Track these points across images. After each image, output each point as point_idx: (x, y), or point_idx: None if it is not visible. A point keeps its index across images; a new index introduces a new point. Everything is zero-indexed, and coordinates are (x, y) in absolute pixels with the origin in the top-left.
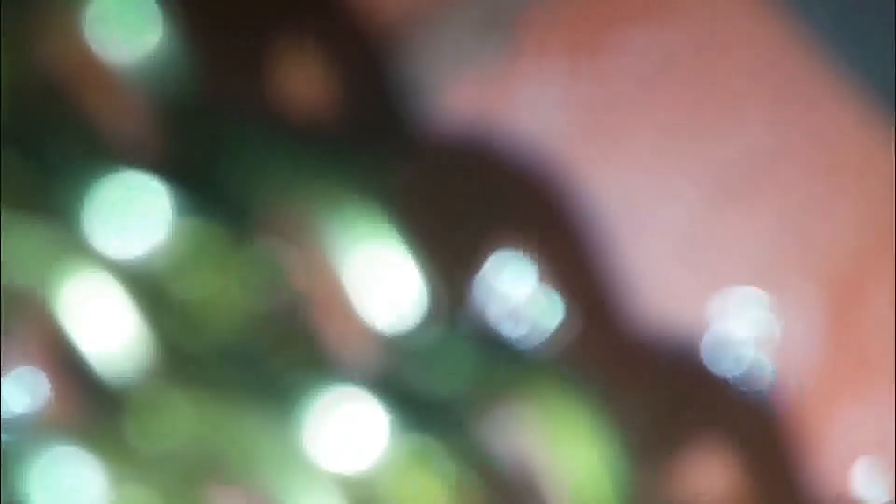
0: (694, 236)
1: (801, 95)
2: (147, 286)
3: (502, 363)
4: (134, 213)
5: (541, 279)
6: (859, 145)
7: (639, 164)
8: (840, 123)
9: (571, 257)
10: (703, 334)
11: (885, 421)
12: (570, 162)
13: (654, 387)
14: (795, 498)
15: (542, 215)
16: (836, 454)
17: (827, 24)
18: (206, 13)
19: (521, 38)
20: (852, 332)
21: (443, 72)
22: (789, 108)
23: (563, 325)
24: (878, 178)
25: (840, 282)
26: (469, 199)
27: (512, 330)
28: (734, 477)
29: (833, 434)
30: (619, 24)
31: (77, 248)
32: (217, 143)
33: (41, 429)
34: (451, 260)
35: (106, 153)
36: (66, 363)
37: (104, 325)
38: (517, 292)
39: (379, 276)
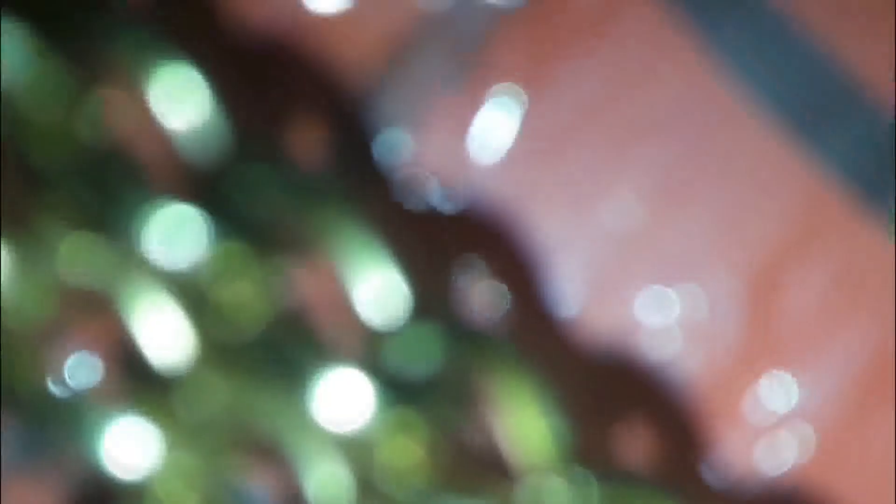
0: (631, 235)
1: (721, 112)
2: (191, 292)
3: (466, 348)
4: (181, 235)
5: (493, 278)
6: (774, 152)
7: (583, 175)
8: (755, 135)
9: (519, 257)
10: (635, 321)
11: (794, 397)
12: (523, 176)
13: (588, 369)
14: (707, 465)
15: (495, 225)
16: (747, 427)
17: (737, 52)
18: (236, 92)
19: (481, 71)
20: (769, 316)
21: (411, 104)
22: (712, 124)
23: (511, 318)
24: (792, 181)
25: (760, 272)
26: (434, 216)
27: (473, 320)
28: (655, 447)
29: (745, 409)
30: (565, 57)
31: (138, 262)
32: (243, 183)
33: (110, 402)
34: (422, 266)
35: (161, 191)
36: (127, 352)
37: (158, 322)
38: (473, 291)
39: (368, 281)
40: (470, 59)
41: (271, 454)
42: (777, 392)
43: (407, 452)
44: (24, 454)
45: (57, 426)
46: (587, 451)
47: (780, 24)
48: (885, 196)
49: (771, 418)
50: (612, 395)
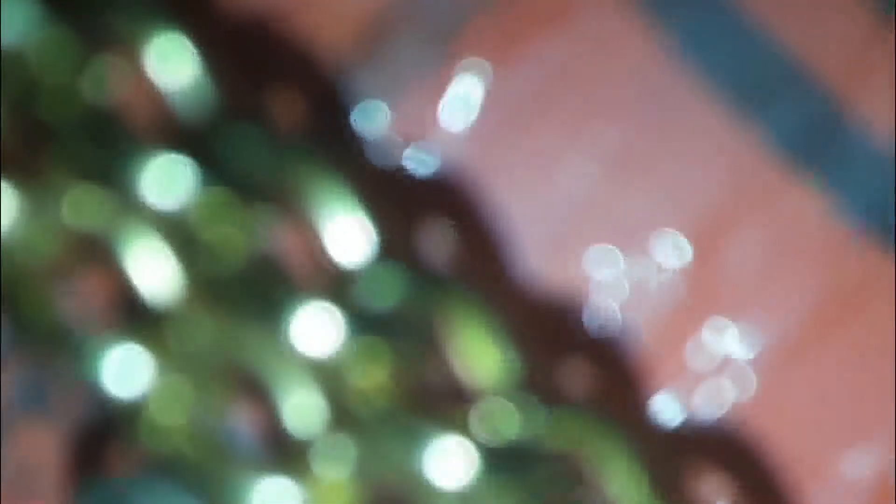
0: (585, 200)
1: (671, 91)
2: (180, 233)
3: (427, 287)
4: (172, 182)
5: (456, 233)
6: (718, 127)
7: (543, 145)
8: (701, 111)
9: (480, 216)
10: (584, 276)
11: (733, 344)
12: (488, 144)
13: (538, 314)
14: (648, 406)
15: (460, 187)
16: (688, 372)
17: (688, 35)
18: (223, 61)
19: (453, 48)
20: (712, 271)
21: (388, 78)
22: (663, 101)
23: (469, 267)
24: (732, 152)
25: (704, 232)
26: (403, 177)
27: (434, 266)
28: (598, 387)
29: (687, 355)
30: (530, 37)
31: (133, 207)
32: (228, 138)
33: (108, 331)
34: (389, 218)
35: (155, 144)
36: (124, 289)
37: (150, 261)
38: (436, 243)
39: (338, 224)
40: (444, 38)
41: (252, 383)
42: (718, 339)
43: (373, 377)
44: (30, 398)
45: (62, 354)
46: (535, 383)
47: (727, 9)
48: (815, 164)
49: (712, 364)
50: (559, 338)
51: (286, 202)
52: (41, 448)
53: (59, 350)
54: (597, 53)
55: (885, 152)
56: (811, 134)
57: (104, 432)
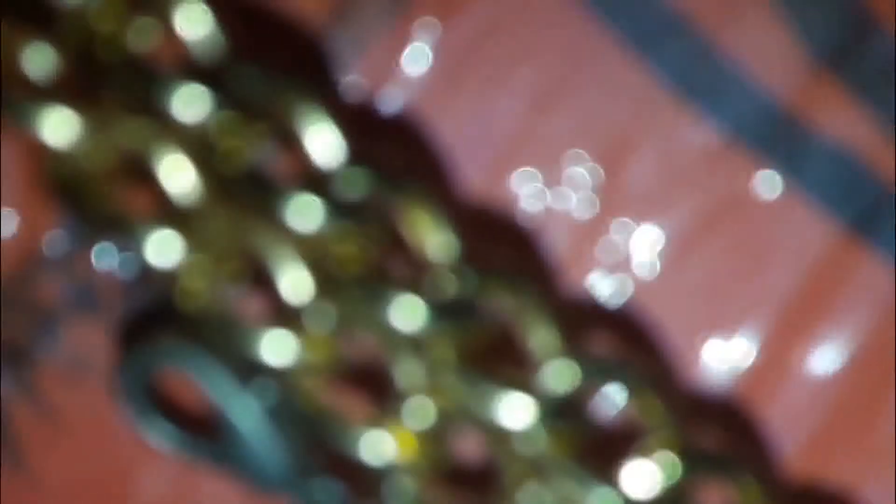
0: (516, 133)
1: (582, 38)
2: (200, 145)
3: (387, 183)
4: (194, 105)
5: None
6: (621, 67)
7: (481, 88)
8: (606, 54)
9: (430, 145)
10: (515, 194)
11: (635, 241)
12: (439, 90)
13: (473, 220)
14: (560, 291)
15: (417, 123)
16: (595, 264)
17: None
18: (230, 19)
19: (410, 10)
20: (617, 187)
21: (359, 40)
22: (575, 48)
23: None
24: (632, 86)
25: (611, 155)
26: (370, 114)
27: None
28: (520, 272)
29: (597, 252)
30: None
31: (166, 126)
32: (237, 75)
33: (149, 220)
34: (356, 139)
35: (182, 79)
36: (158, 188)
37: (178, 166)
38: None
39: (318, 136)
40: (401, 1)
41: (256, 259)
42: (624, 239)
43: (347, 252)
44: (81, 299)
45: (116, 238)
46: (470, 260)
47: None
48: (699, 97)
49: (616, 257)
50: (491, 233)
51: (279, 122)
52: (91, 340)
53: (113, 235)
54: (522, 10)
55: (750, 81)
56: (694, 71)
57: (142, 324)
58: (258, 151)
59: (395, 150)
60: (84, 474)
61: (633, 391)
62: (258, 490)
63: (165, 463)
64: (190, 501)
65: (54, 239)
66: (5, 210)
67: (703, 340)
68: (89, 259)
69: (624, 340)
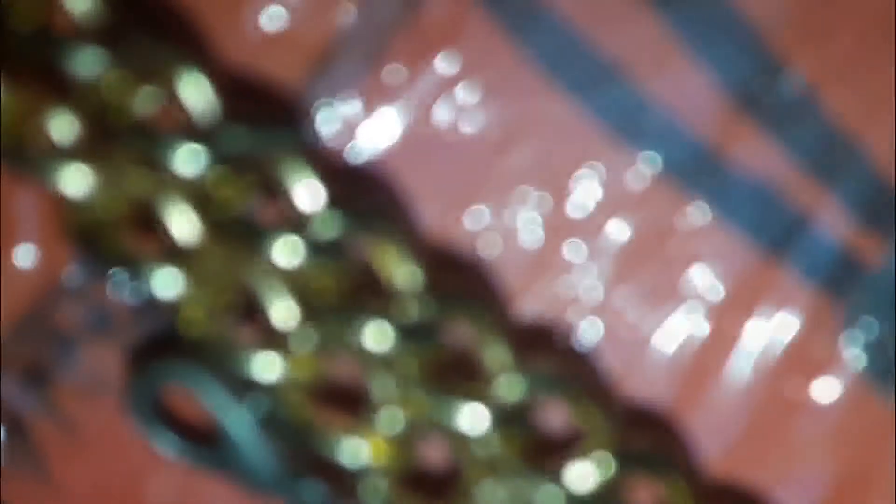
0: (471, 173)
1: (523, 85)
2: (199, 195)
3: (359, 223)
4: (192, 162)
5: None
6: (561, 109)
7: (439, 135)
8: (547, 97)
9: (394, 192)
10: (469, 230)
11: (579, 268)
12: (402, 137)
13: (432, 254)
14: (507, 311)
15: (382, 173)
16: (535, 289)
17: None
18: (223, 86)
19: (380, 64)
20: (562, 213)
21: (333, 94)
22: (517, 92)
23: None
24: (573, 125)
25: (555, 187)
26: (343, 162)
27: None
28: (474, 296)
29: (543, 277)
30: (429, 50)
31: (169, 179)
32: (230, 135)
33: (156, 259)
34: (335, 183)
35: (181, 140)
36: (163, 232)
37: (179, 212)
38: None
39: (301, 187)
40: (373, 56)
41: (248, 292)
42: (568, 263)
43: (324, 284)
44: (98, 323)
45: (127, 275)
46: (431, 288)
47: (552, 14)
48: (631, 137)
49: (562, 282)
50: (447, 264)
51: (267, 174)
52: (106, 361)
53: (125, 273)
54: (480, 65)
55: (676, 122)
56: (628, 114)
57: (150, 347)
58: (248, 199)
59: (366, 194)
60: (101, 481)
61: (574, 400)
62: (252, 491)
63: (172, 469)
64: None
65: (72, 271)
66: (26, 245)
67: (639, 352)
68: (104, 289)
69: (568, 356)
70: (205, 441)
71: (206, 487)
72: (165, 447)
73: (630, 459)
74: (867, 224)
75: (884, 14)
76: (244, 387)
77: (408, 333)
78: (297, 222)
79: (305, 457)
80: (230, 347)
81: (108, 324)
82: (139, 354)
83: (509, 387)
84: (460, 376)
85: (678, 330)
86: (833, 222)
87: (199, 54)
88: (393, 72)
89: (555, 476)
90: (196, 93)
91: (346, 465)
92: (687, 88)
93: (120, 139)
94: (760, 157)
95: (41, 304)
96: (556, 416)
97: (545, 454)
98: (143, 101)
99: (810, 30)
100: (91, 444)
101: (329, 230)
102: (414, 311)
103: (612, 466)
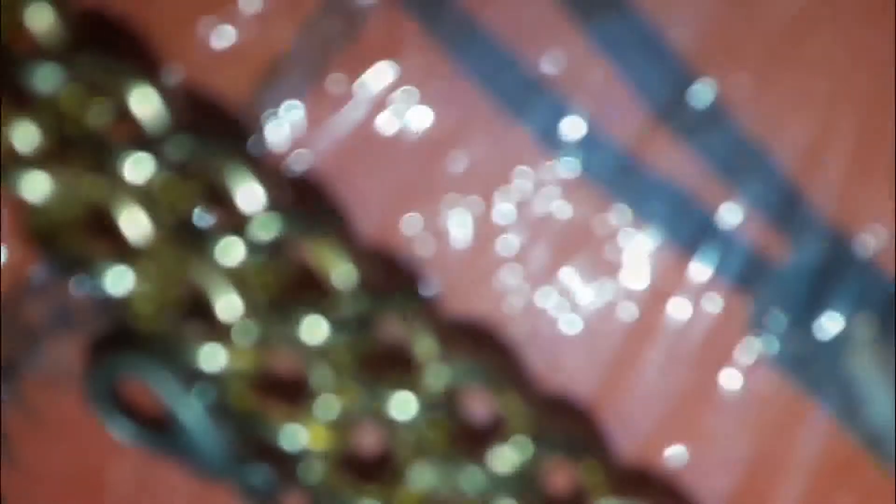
0: (403, 184)
1: (455, 103)
2: (148, 199)
3: (299, 224)
4: (141, 169)
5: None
6: (496, 124)
7: (375, 149)
8: (482, 111)
9: (332, 198)
10: (403, 237)
11: (507, 268)
12: (343, 150)
13: (368, 257)
14: (424, 302)
15: (322, 182)
16: (463, 288)
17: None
18: (171, 97)
19: (323, 79)
20: (490, 225)
21: (278, 107)
22: (451, 111)
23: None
24: (506, 142)
25: (485, 194)
26: (286, 171)
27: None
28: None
29: (471, 277)
30: (365, 64)
31: (120, 184)
32: (178, 143)
33: (108, 257)
34: (276, 188)
35: (132, 148)
36: (116, 232)
37: (131, 214)
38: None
39: (244, 190)
40: (316, 71)
41: (196, 287)
42: (496, 264)
43: (264, 280)
44: (59, 319)
45: (83, 273)
46: (365, 285)
47: (487, 37)
48: (561, 148)
49: (489, 283)
50: (383, 266)
51: (212, 178)
52: (69, 354)
53: (81, 271)
54: (419, 79)
55: (599, 130)
56: (554, 124)
57: (108, 340)
58: (195, 203)
59: (308, 199)
60: (66, 466)
61: (497, 389)
62: (203, 474)
63: (131, 454)
64: (151, 486)
65: (38, 270)
66: None
67: (561, 345)
68: (67, 287)
69: (494, 349)
70: (158, 427)
71: (162, 471)
72: (122, 433)
73: (547, 443)
74: (774, 224)
75: (789, 33)
76: (192, 377)
77: (342, 327)
78: (239, 224)
79: (251, 442)
80: (178, 340)
81: (71, 319)
82: (98, 347)
83: (436, 376)
84: (391, 367)
85: (599, 324)
86: (743, 222)
87: (152, 70)
88: (335, 83)
89: (478, 458)
90: (146, 105)
91: (287, 450)
92: (608, 100)
93: (76, 148)
94: (676, 163)
95: (9, 301)
96: (480, 404)
97: (470, 439)
98: (98, 113)
99: (722, 47)
100: (56, 432)
101: (269, 231)
102: (348, 307)
103: (531, 449)
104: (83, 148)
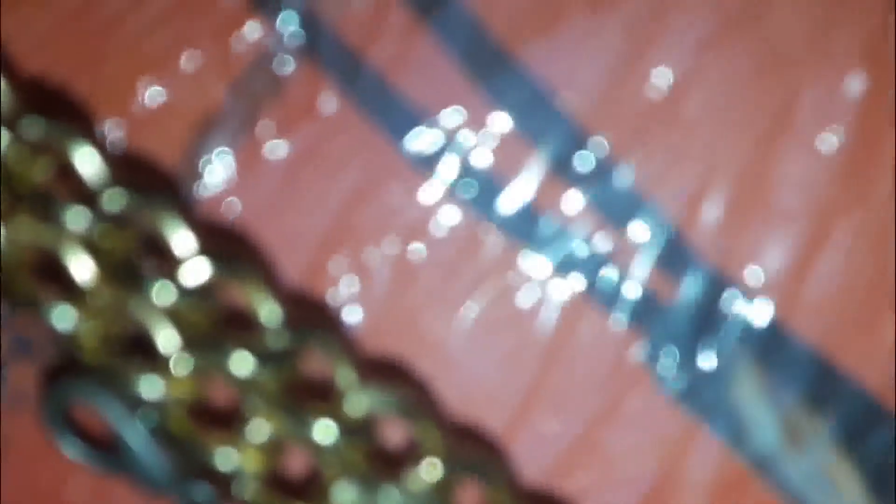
0: (328, 227)
1: (374, 165)
2: (89, 244)
3: (230, 269)
4: (81, 219)
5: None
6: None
7: (299, 198)
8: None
9: (255, 246)
10: (327, 278)
11: (429, 312)
12: (269, 199)
13: (292, 300)
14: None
15: (249, 230)
16: (382, 325)
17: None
18: (110, 158)
19: (253, 133)
20: (410, 266)
21: (209, 159)
22: (367, 167)
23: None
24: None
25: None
26: (216, 219)
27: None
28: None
29: (388, 317)
30: (291, 123)
31: (66, 233)
32: (115, 196)
33: (54, 298)
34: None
35: (73, 201)
36: (63, 274)
37: (76, 258)
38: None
39: (177, 237)
40: (245, 126)
41: (136, 322)
42: (414, 305)
43: (200, 317)
44: (21, 347)
45: (35, 312)
46: (290, 322)
47: None
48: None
49: (407, 325)
50: (306, 306)
51: (148, 227)
52: (28, 379)
53: (32, 310)
54: (337, 134)
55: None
56: (463, 171)
57: (63, 368)
58: (132, 248)
59: (238, 243)
60: (26, 484)
61: (411, 416)
62: (149, 491)
63: (86, 473)
64: (105, 502)
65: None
66: None
67: (471, 378)
68: (26, 320)
69: (408, 381)
70: (107, 448)
71: (115, 490)
72: (74, 454)
73: (457, 465)
74: (662, 267)
75: (670, 95)
76: (136, 403)
77: (268, 360)
78: (173, 268)
79: (191, 462)
80: (123, 370)
81: (30, 349)
82: (52, 375)
83: (355, 405)
84: (315, 396)
85: (506, 359)
86: (634, 265)
87: (90, 130)
88: (264, 134)
89: (395, 479)
90: (86, 162)
91: (223, 470)
92: (509, 155)
93: (23, 201)
94: (571, 209)
95: None
96: (396, 430)
97: (388, 461)
98: (41, 170)
99: (611, 108)
100: (16, 452)
101: (199, 273)
102: (274, 342)
103: (440, 470)
104: (29, 201)
